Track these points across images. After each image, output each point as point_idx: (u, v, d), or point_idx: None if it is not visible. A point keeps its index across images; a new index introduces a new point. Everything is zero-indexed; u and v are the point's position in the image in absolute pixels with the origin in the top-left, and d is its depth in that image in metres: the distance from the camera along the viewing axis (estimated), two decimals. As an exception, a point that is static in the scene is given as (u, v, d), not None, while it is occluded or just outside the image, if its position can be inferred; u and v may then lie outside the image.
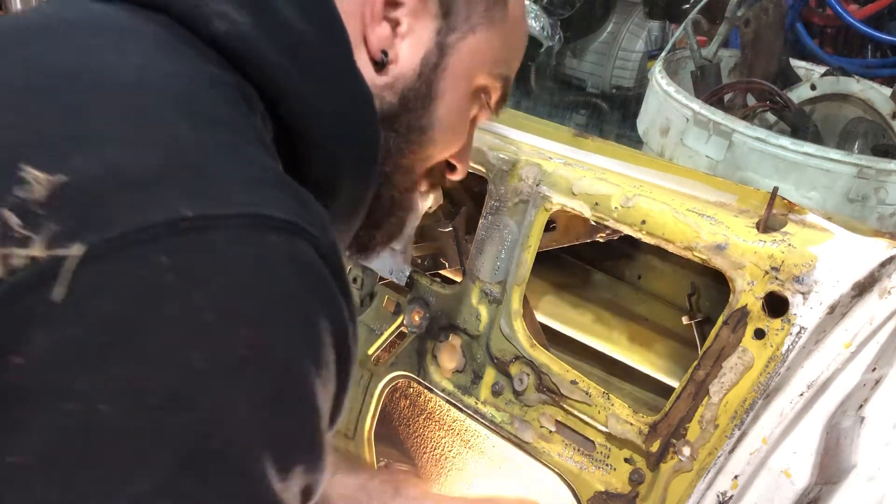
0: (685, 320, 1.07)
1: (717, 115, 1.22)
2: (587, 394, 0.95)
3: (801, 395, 0.79)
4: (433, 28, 0.72)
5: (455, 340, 1.08)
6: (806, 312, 0.78)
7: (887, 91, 1.45)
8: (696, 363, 0.86)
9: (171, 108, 0.55)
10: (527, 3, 1.72)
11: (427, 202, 1.12)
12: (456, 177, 0.83)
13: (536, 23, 1.71)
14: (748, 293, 0.82)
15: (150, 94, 0.55)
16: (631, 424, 0.91)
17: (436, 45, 0.72)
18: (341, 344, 0.56)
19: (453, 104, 0.76)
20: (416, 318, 1.13)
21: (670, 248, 0.89)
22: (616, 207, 0.93)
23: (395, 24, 0.70)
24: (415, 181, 0.79)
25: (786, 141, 1.16)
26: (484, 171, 1.06)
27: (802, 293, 0.79)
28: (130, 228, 0.47)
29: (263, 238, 0.51)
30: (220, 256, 0.49)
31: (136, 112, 0.53)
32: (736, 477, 0.82)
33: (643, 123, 1.43)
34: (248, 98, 0.61)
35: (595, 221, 0.96)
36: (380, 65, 0.70)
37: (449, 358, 1.08)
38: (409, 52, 0.71)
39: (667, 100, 1.32)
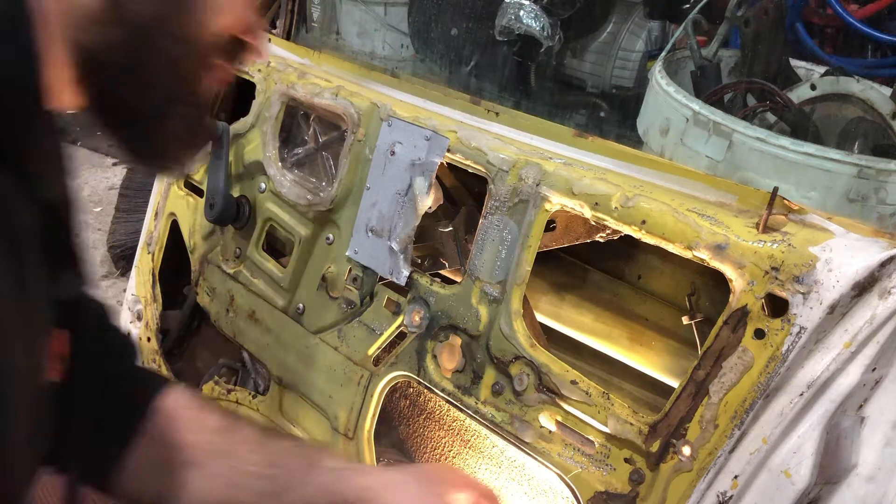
0: (685, 320, 1.08)
1: (717, 115, 1.22)
2: (587, 394, 0.95)
3: (801, 395, 0.79)
4: None
5: (455, 340, 1.08)
6: (806, 312, 0.78)
7: (887, 91, 1.45)
8: (696, 363, 0.86)
9: None
10: (526, 2, 1.72)
11: (428, 201, 1.12)
12: (254, 55, 0.74)
13: (536, 23, 1.71)
14: (748, 293, 0.82)
15: None
16: (631, 424, 0.91)
17: None
18: None
19: None
20: (416, 318, 1.13)
21: (670, 248, 0.89)
22: (616, 207, 0.93)
23: None
24: (200, 56, 0.69)
25: (786, 141, 1.16)
26: (484, 171, 1.06)
27: (802, 293, 0.79)
28: None
29: None
30: None
31: None
32: (736, 477, 0.82)
33: (643, 123, 1.43)
34: None
35: (595, 221, 0.96)
36: None
37: (449, 358, 1.08)
38: None
39: (667, 100, 1.32)
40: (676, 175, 0.97)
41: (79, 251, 0.75)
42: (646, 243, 0.92)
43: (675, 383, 1.03)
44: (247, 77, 1.40)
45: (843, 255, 0.79)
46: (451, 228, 1.20)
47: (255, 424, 0.98)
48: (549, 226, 1.03)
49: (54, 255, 0.70)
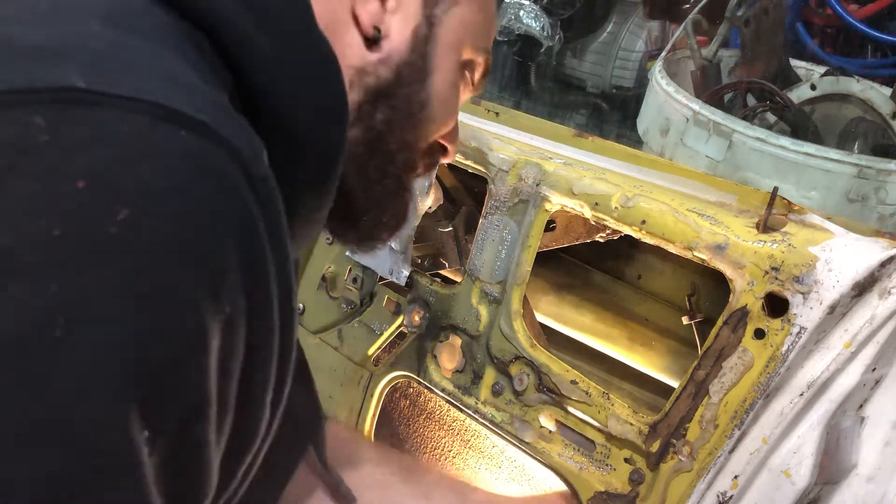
0: (685, 320, 1.07)
1: (717, 115, 1.22)
2: (587, 394, 0.95)
3: (801, 395, 0.79)
4: (419, 1, 0.71)
5: (455, 340, 1.08)
6: (806, 312, 0.78)
7: (887, 91, 1.45)
8: (696, 363, 0.86)
9: (89, 14, 0.51)
10: (526, 2, 1.72)
11: (428, 201, 1.12)
12: (447, 159, 0.82)
13: (536, 23, 1.71)
14: (748, 293, 0.82)
15: (74, 4, 0.52)
16: (631, 424, 0.91)
17: (424, 17, 0.71)
18: (255, 287, 0.49)
19: (446, 77, 0.75)
20: (416, 318, 1.13)
21: (670, 248, 0.89)
22: (616, 207, 0.93)
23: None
24: (415, 160, 0.77)
25: (786, 141, 1.16)
26: (484, 171, 1.06)
27: (802, 293, 0.79)
28: (8, 88, 0.43)
29: (164, 130, 0.45)
30: (108, 133, 0.44)
31: (52, 8, 0.51)
32: (736, 477, 0.82)
33: (643, 123, 1.43)
34: (192, 36, 0.56)
35: (595, 221, 0.96)
36: (372, 41, 0.69)
37: (449, 358, 1.08)
38: (399, 26, 0.70)
39: (667, 100, 1.32)
40: (676, 175, 0.97)
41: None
42: (646, 243, 0.92)
43: (675, 383, 1.03)
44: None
45: (843, 255, 0.79)
46: (451, 228, 1.20)
47: (404, 456, 1.07)
48: (549, 226, 1.03)
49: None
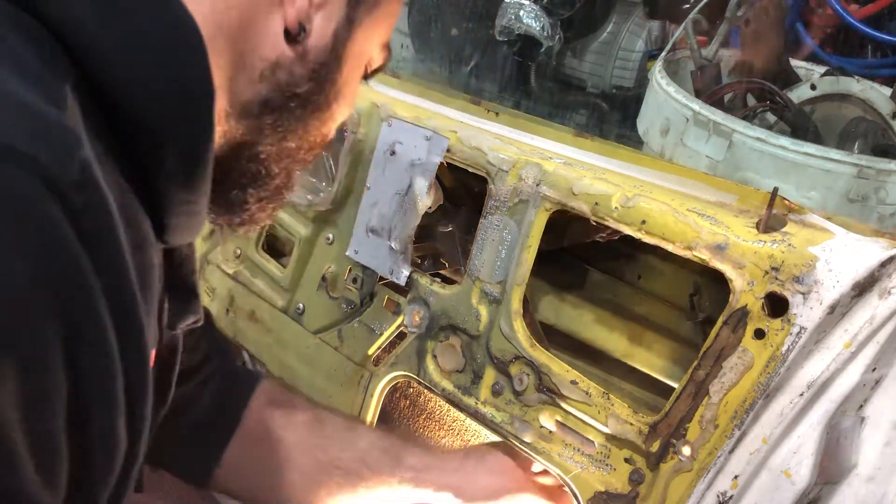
0: (687, 320, 1.08)
1: (717, 115, 1.22)
2: (587, 394, 0.95)
3: (801, 395, 0.79)
4: (344, 1, 0.69)
5: (455, 340, 1.08)
6: (806, 312, 0.78)
7: (887, 91, 1.45)
8: (696, 363, 0.86)
9: None
10: (526, 2, 1.72)
11: (428, 201, 1.12)
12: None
13: (536, 23, 1.71)
14: (748, 293, 0.82)
15: None
16: (631, 424, 0.91)
17: (346, 17, 0.69)
18: (77, 317, 0.46)
19: (353, 77, 0.74)
20: (416, 318, 1.13)
21: (670, 248, 0.89)
22: (616, 207, 0.93)
23: None
24: (311, 156, 0.76)
25: (786, 141, 1.16)
26: (484, 171, 1.06)
27: (802, 293, 0.79)
28: None
29: None
30: None
31: None
32: (736, 477, 0.82)
33: (643, 123, 1.43)
34: (27, 26, 0.52)
35: (595, 221, 0.96)
36: (293, 38, 0.66)
37: (449, 358, 1.08)
38: (322, 25, 0.68)
39: (667, 100, 1.32)
40: (676, 175, 0.97)
41: (196, 287, 0.77)
42: (646, 243, 0.92)
43: (675, 383, 1.03)
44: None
45: (843, 255, 0.79)
46: (451, 228, 1.20)
47: (340, 416, 1.07)
48: (549, 226, 1.03)
49: (179, 291, 0.73)
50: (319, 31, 0.68)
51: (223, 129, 0.68)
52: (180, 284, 0.74)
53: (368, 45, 0.74)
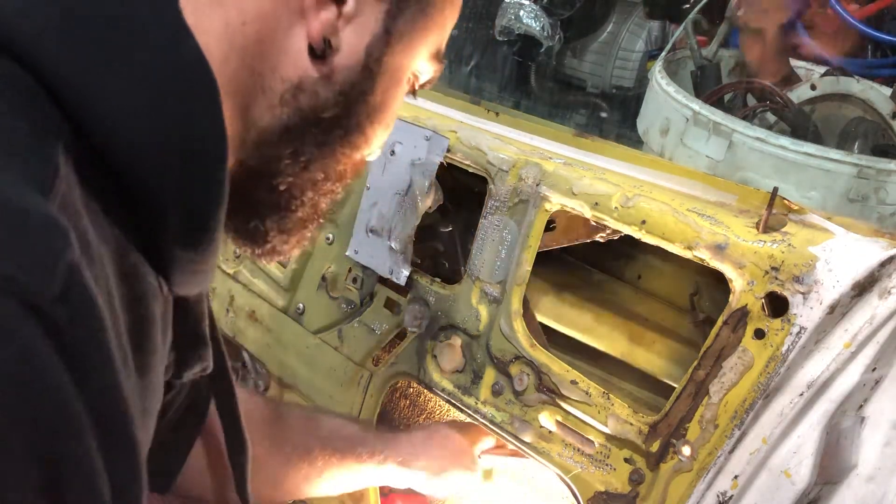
0: (688, 320, 1.08)
1: (717, 115, 1.22)
2: (587, 394, 0.95)
3: (801, 395, 0.79)
4: (382, 8, 0.61)
5: (455, 340, 1.08)
6: (806, 312, 0.78)
7: (887, 91, 1.45)
8: (696, 363, 0.86)
9: None
10: (526, 2, 1.72)
11: (428, 201, 1.12)
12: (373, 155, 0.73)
13: (536, 23, 1.71)
14: (748, 293, 0.82)
15: None
16: (631, 424, 0.90)
17: (383, 30, 0.61)
18: (61, 475, 0.42)
19: (390, 97, 0.66)
20: (416, 318, 1.13)
21: (670, 248, 0.89)
22: (616, 207, 0.93)
23: (339, 2, 0.59)
24: (339, 187, 0.69)
25: (786, 141, 1.16)
26: (484, 171, 1.06)
27: (802, 293, 0.79)
28: None
29: None
30: None
31: None
32: (736, 477, 0.82)
33: (643, 123, 1.43)
34: (17, 82, 0.47)
35: (595, 221, 0.96)
36: (317, 55, 0.59)
37: (449, 358, 1.08)
38: (353, 40, 0.60)
39: (667, 100, 1.32)
40: (676, 175, 0.97)
41: (205, 336, 0.71)
42: (646, 243, 0.92)
43: (675, 383, 1.03)
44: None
45: (843, 254, 0.79)
46: (451, 228, 1.20)
47: (299, 407, 1.10)
48: (549, 226, 1.03)
49: (187, 339, 0.68)
50: (349, 47, 0.60)
51: (237, 157, 0.61)
52: (189, 332, 0.68)
53: (411, 59, 0.66)
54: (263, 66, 0.58)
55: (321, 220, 0.70)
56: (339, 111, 0.62)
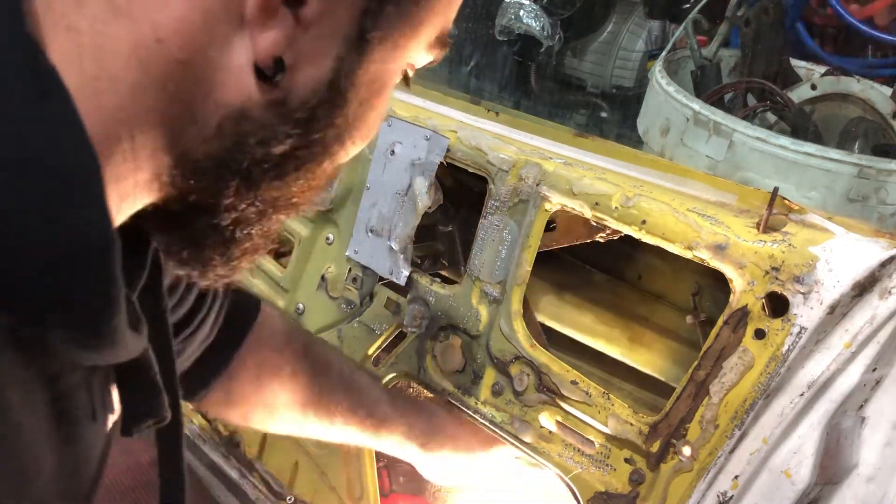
0: (689, 320, 1.07)
1: (717, 115, 1.22)
2: (587, 394, 0.94)
3: (802, 395, 0.79)
4: (358, 6, 0.47)
5: (455, 340, 1.08)
6: (806, 312, 0.78)
7: (887, 91, 1.45)
8: (696, 363, 0.86)
9: None
10: (526, 2, 1.72)
11: (428, 201, 1.12)
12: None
13: (536, 23, 1.71)
14: (748, 293, 0.82)
15: None
16: (631, 424, 0.90)
17: (357, 33, 0.48)
18: None
19: (370, 106, 0.54)
20: (416, 318, 1.12)
21: (670, 248, 0.89)
22: (616, 207, 0.93)
23: (296, 5, 0.45)
24: (299, 201, 0.57)
25: (786, 141, 1.16)
26: (484, 171, 1.06)
27: (803, 293, 0.79)
28: None
29: None
30: None
31: None
32: (736, 477, 0.82)
33: (643, 123, 1.43)
34: None
35: (595, 221, 0.96)
36: (268, 74, 0.47)
37: (449, 358, 1.08)
38: (316, 50, 0.48)
39: (667, 100, 1.32)
40: (676, 175, 0.97)
41: (158, 385, 0.61)
42: (646, 243, 0.92)
43: (675, 383, 1.03)
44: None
45: (844, 255, 0.79)
46: (451, 228, 1.20)
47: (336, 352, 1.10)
48: (549, 226, 1.03)
49: (138, 392, 0.60)
50: (311, 61, 0.48)
51: (165, 193, 0.51)
52: (137, 386, 0.60)
53: (399, 61, 0.53)
54: (193, 91, 0.46)
55: (274, 240, 0.59)
56: (296, 142, 0.51)
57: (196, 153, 0.49)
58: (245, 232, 0.55)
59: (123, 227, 0.51)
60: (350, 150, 0.56)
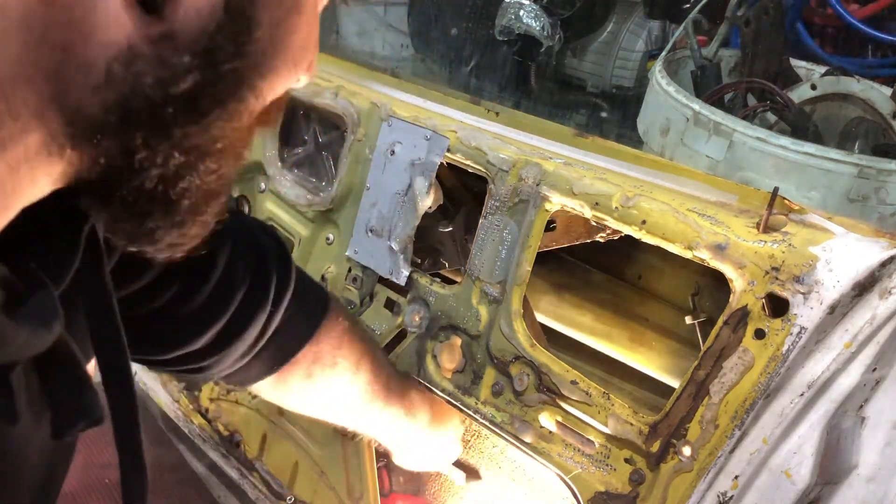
0: (689, 320, 1.07)
1: (717, 115, 1.22)
2: (587, 394, 0.94)
3: (802, 395, 0.79)
4: None
5: (455, 340, 1.08)
6: (806, 312, 0.78)
7: (887, 91, 1.45)
8: (696, 363, 0.86)
9: None
10: (526, 2, 1.72)
11: (428, 201, 1.12)
12: (300, 84, 0.54)
13: (536, 23, 1.71)
14: (748, 293, 0.82)
15: None
16: (631, 424, 0.90)
17: None
18: None
19: (293, 23, 0.49)
20: (416, 318, 1.12)
21: (670, 247, 0.89)
22: (616, 207, 0.93)
23: None
24: (229, 151, 0.51)
25: (786, 141, 1.16)
26: (484, 171, 1.06)
27: (803, 293, 0.78)
28: None
29: None
30: None
31: None
32: (736, 477, 0.82)
33: (643, 123, 1.43)
34: None
35: (595, 221, 0.96)
36: (149, 7, 0.42)
37: (449, 358, 1.08)
38: None
39: (667, 100, 1.32)
40: (676, 175, 0.97)
41: (86, 377, 0.56)
42: (646, 243, 0.92)
43: (675, 383, 1.03)
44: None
45: (844, 255, 0.79)
46: (451, 228, 1.20)
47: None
48: (549, 226, 1.03)
49: (63, 392, 0.55)
50: None
51: (71, 159, 0.45)
52: (62, 381, 0.55)
53: None
54: (68, 34, 0.41)
55: (223, 196, 0.54)
56: (201, 77, 0.45)
57: (90, 107, 0.43)
58: (178, 189, 0.49)
59: (50, 208, 0.47)
60: (277, 84, 0.51)
